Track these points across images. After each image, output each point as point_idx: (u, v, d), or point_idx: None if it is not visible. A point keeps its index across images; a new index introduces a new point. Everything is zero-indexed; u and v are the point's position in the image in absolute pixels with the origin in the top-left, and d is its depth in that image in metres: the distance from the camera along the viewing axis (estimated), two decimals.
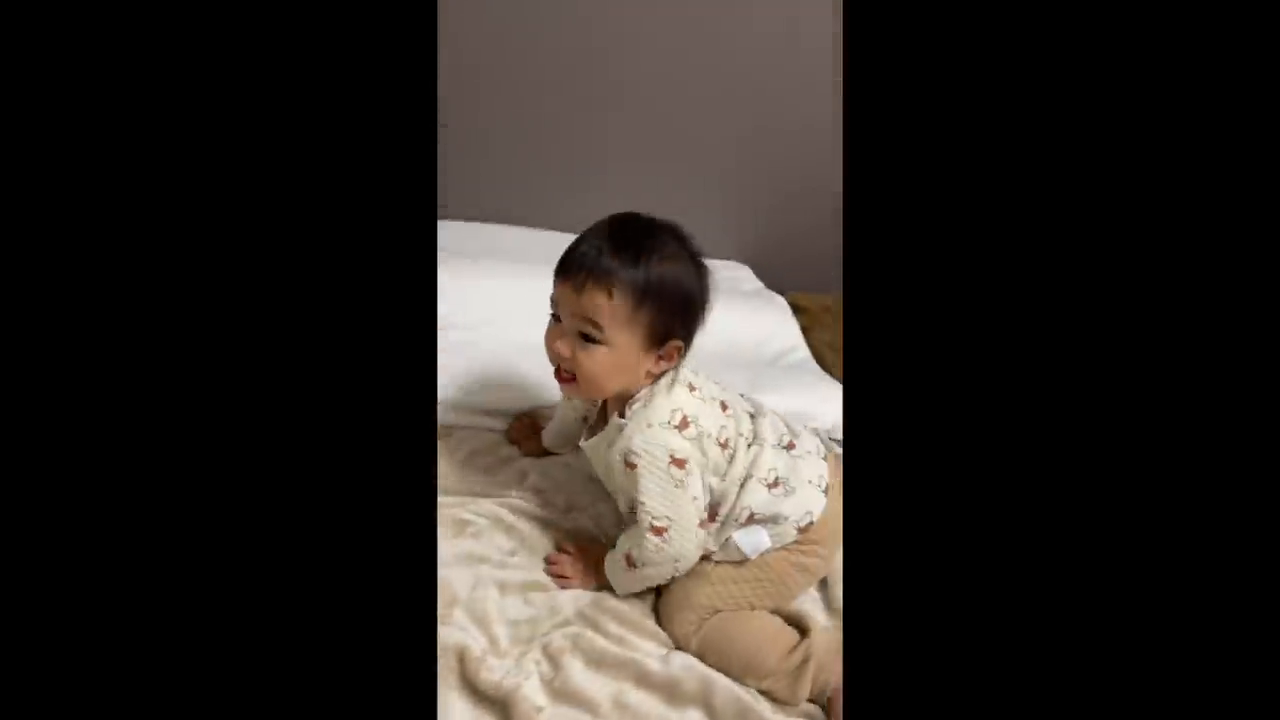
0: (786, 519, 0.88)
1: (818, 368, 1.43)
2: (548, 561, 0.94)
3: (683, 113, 1.63)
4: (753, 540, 0.88)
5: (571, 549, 0.95)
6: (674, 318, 0.83)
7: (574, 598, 0.89)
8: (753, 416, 0.94)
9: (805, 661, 0.84)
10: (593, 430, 0.94)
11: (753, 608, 0.89)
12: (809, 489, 0.90)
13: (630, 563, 0.87)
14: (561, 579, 0.92)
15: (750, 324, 1.49)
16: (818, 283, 1.81)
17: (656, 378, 0.87)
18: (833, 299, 1.75)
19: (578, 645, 0.82)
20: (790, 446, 0.92)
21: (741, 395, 0.97)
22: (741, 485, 0.87)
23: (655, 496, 0.84)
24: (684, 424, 0.84)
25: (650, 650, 0.85)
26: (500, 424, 1.16)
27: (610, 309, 0.80)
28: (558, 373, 0.87)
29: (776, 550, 0.89)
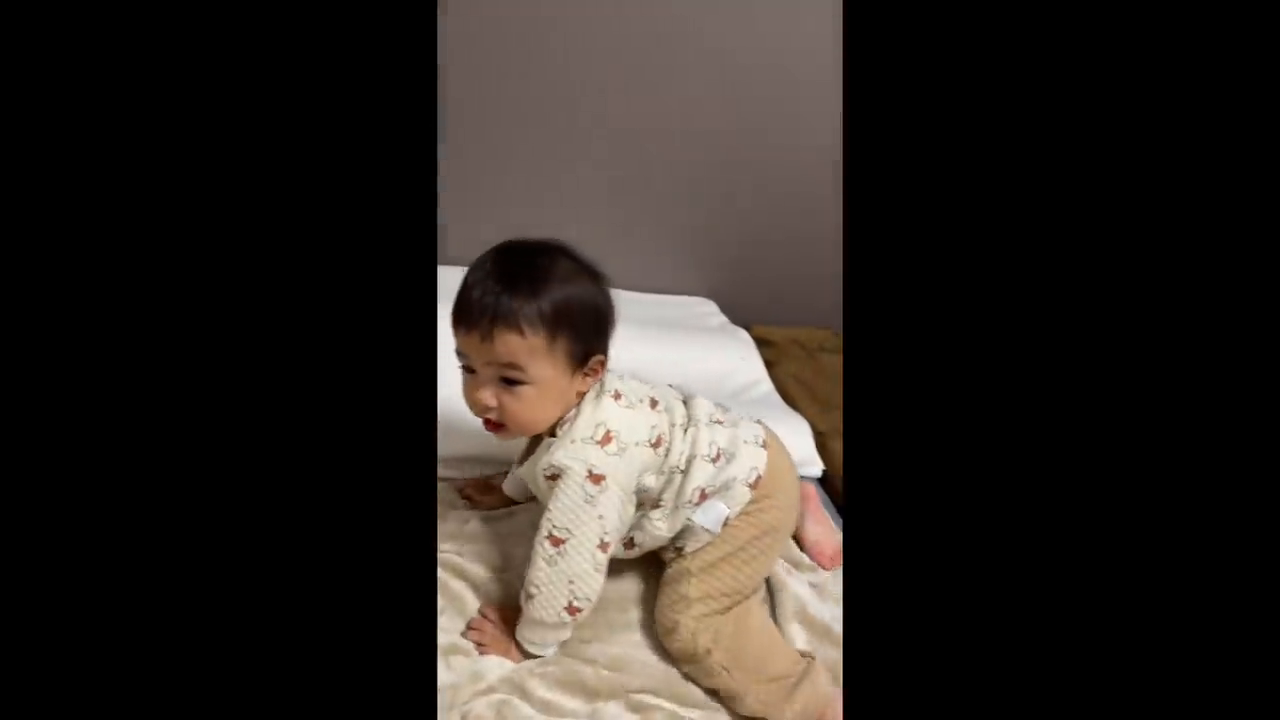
0: (735, 480, 0.88)
1: (781, 401, 1.37)
2: (468, 627, 0.87)
3: (647, 148, 1.61)
4: (712, 514, 0.88)
5: (493, 615, 0.87)
6: (590, 334, 0.81)
7: (500, 662, 0.82)
8: (685, 401, 0.94)
9: (804, 679, 0.82)
10: (528, 453, 0.91)
11: (744, 593, 0.88)
12: (748, 449, 0.90)
13: (528, 594, 0.81)
14: (480, 647, 0.84)
15: (714, 358, 1.44)
16: (785, 316, 1.77)
17: (584, 393, 0.84)
18: (802, 332, 1.70)
19: (502, 714, 0.75)
20: (721, 422, 0.93)
21: (670, 385, 0.96)
22: (686, 469, 0.87)
23: (562, 508, 0.81)
24: (606, 439, 0.81)
25: (579, 710, 0.78)
26: (454, 472, 1.10)
27: (527, 347, 0.76)
28: (486, 423, 0.83)
29: (737, 517, 0.88)
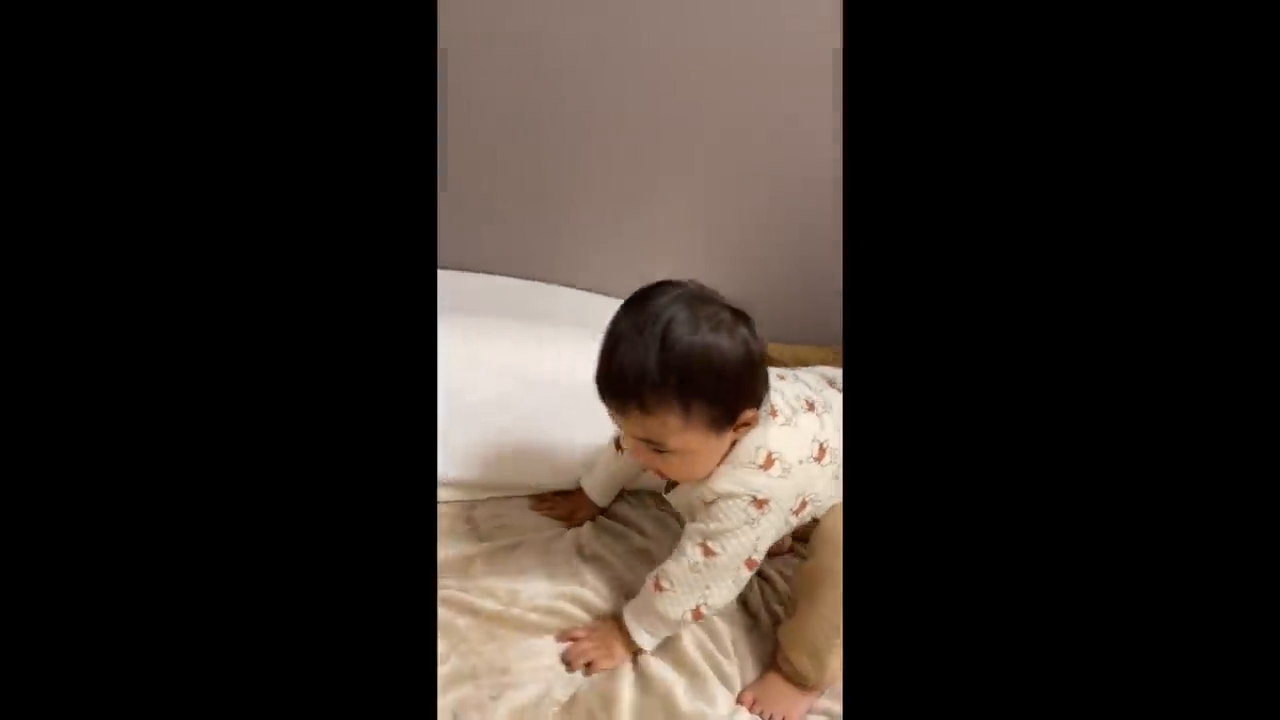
0: None
1: None
2: (567, 650, 0.87)
3: (647, 152, 1.59)
4: None
5: (581, 631, 0.89)
6: (730, 394, 0.76)
7: None
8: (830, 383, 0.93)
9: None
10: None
11: None
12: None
13: (659, 585, 0.83)
14: (588, 668, 0.85)
15: None
16: (789, 333, 1.75)
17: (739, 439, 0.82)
18: (806, 350, 1.69)
19: None
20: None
21: (819, 371, 0.95)
22: None
23: (722, 526, 0.80)
24: (769, 463, 0.79)
25: None
26: (463, 495, 1.09)
27: (660, 424, 0.74)
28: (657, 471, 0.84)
29: None
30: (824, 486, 0.85)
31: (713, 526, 0.81)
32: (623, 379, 0.73)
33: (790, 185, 1.64)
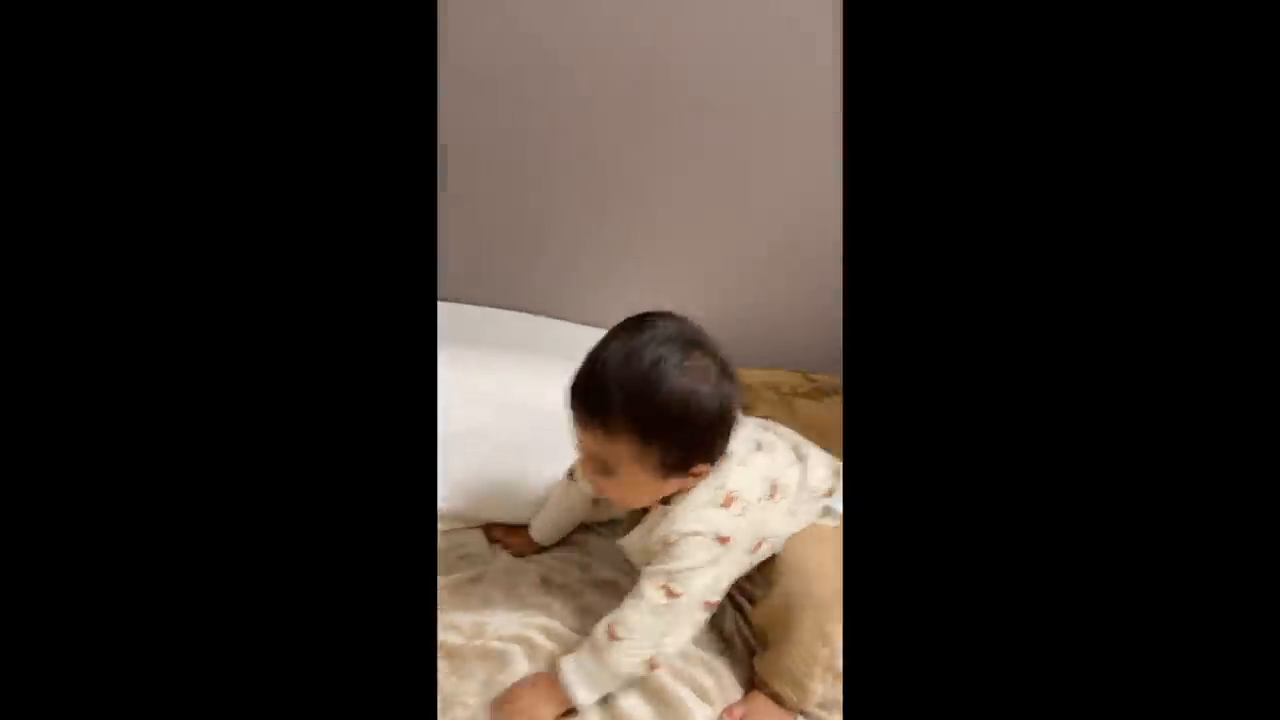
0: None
1: None
2: (493, 709, 0.81)
3: (622, 180, 1.58)
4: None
5: (522, 684, 0.83)
6: (690, 444, 0.75)
7: None
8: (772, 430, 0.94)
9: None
10: (632, 522, 0.88)
11: None
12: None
13: (613, 634, 0.77)
14: None
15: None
16: (756, 357, 1.74)
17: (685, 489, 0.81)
18: (776, 374, 1.69)
19: None
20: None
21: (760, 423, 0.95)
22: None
23: (686, 565, 0.78)
24: (729, 501, 0.79)
25: None
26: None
27: (613, 449, 0.74)
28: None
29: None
30: (779, 524, 0.86)
31: (675, 565, 0.78)
32: (597, 397, 0.73)
33: (766, 209, 1.64)
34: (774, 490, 0.84)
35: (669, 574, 0.78)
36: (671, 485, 0.79)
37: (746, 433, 0.86)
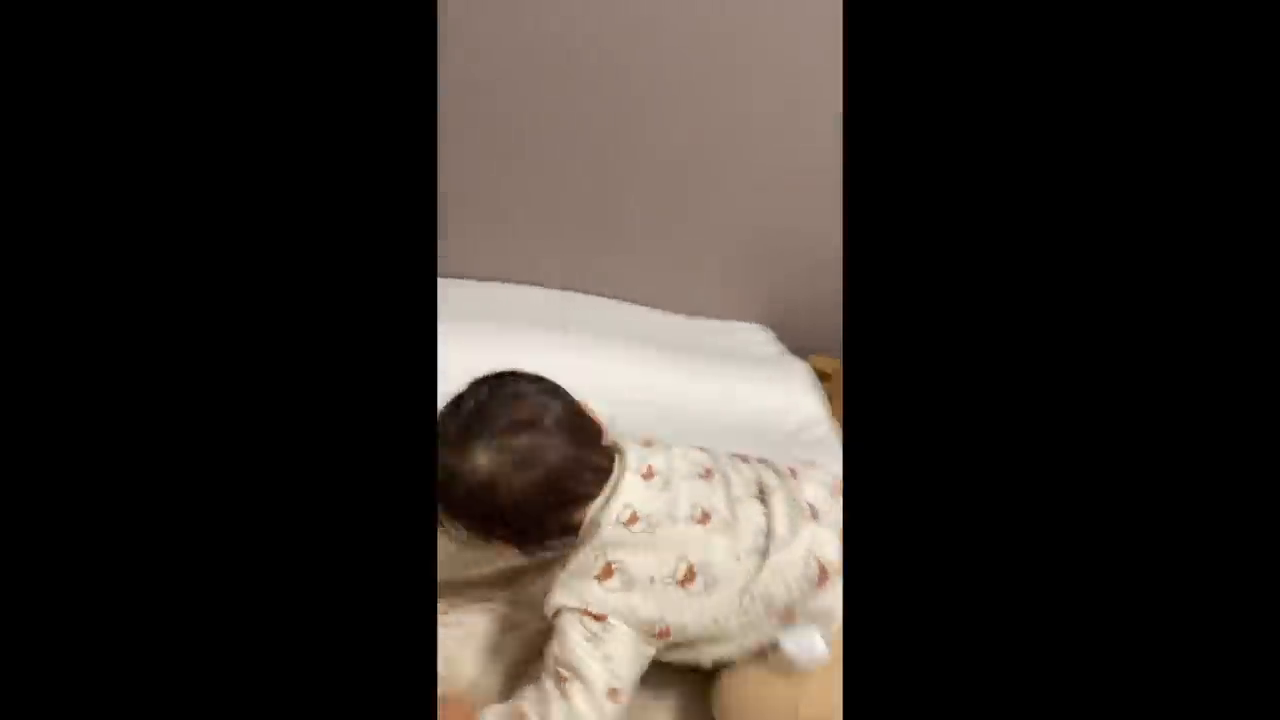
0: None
1: (842, 445, 1.27)
2: None
3: (701, 168, 1.51)
4: (804, 643, 0.71)
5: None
6: (533, 528, 0.74)
7: None
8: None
9: None
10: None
11: None
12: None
13: (522, 714, 0.70)
14: None
15: (766, 393, 1.35)
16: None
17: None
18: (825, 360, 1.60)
19: None
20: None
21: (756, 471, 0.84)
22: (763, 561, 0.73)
23: (565, 644, 0.71)
24: (607, 573, 0.71)
25: None
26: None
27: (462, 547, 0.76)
28: None
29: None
30: (693, 618, 0.73)
31: (558, 648, 0.71)
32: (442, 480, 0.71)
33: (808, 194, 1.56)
34: (689, 576, 0.72)
35: (556, 659, 0.71)
36: (509, 553, 0.78)
37: (694, 497, 0.75)
